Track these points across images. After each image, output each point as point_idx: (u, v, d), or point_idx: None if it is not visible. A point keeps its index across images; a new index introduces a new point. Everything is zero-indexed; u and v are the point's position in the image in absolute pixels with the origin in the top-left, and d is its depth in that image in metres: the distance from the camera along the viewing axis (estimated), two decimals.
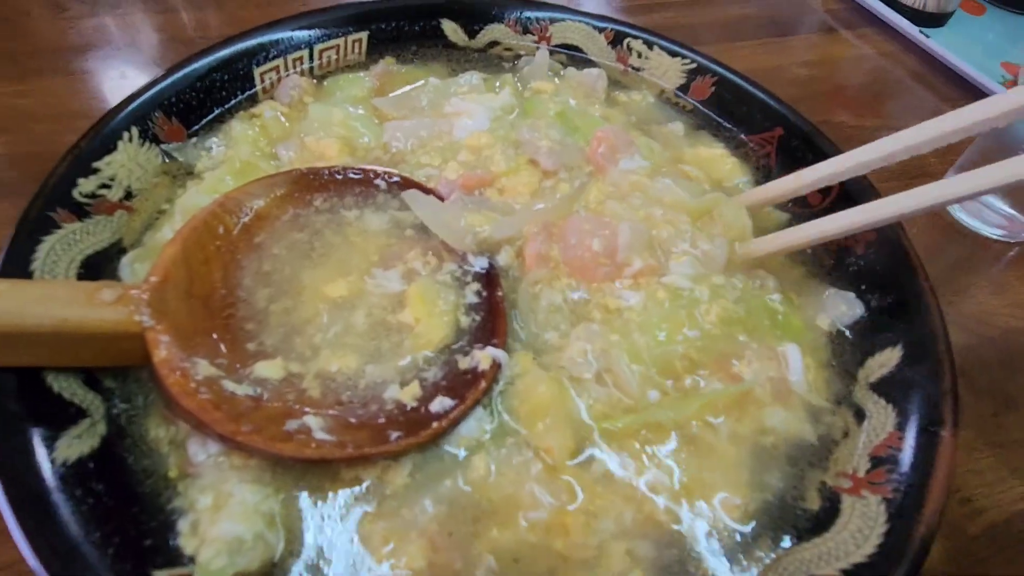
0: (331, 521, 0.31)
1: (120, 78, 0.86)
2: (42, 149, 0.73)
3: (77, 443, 0.29)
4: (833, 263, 0.47)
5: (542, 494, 0.32)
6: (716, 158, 0.55)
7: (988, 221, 0.84)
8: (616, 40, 0.60)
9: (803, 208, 0.52)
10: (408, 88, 0.54)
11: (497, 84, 0.55)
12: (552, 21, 0.60)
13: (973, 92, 1.05)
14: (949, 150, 0.95)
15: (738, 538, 0.32)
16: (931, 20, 1.19)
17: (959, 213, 0.85)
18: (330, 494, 0.31)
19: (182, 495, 0.30)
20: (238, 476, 0.30)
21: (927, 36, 1.13)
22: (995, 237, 0.83)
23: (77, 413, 0.30)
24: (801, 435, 0.36)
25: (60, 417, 0.30)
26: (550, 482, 0.33)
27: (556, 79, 0.58)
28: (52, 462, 0.28)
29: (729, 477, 0.34)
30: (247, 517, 0.28)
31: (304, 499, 0.31)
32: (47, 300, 0.29)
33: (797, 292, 0.46)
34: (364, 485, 0.32)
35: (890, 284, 0.42)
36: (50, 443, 0.28)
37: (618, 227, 0.42)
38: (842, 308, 0.44)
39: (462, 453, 0.33)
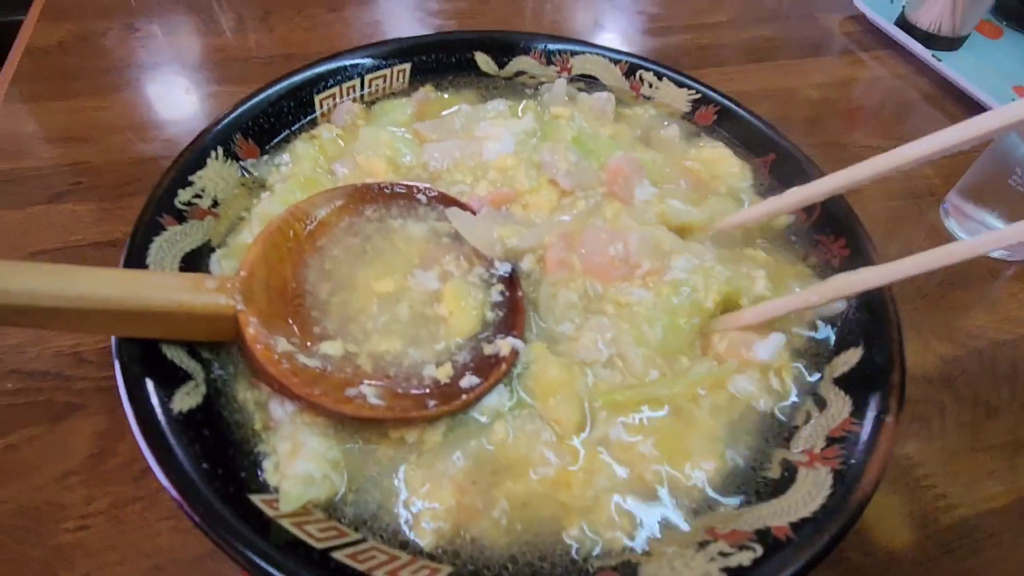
0: (381, 468, 0.38)
1: (185, 94, 0.96)
2: (118, 157, 0.84)
3: (187, 398, 0.37)
4: (817, 271, 0.53)
5: (550, 455, 0.39)
6: (721, 158, 0.61)
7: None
8: (630, 71, 0.67)
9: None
10: (444, 114, 0.62)
11: (520, 109, 0.63)
12: (573, 54, 0.67)
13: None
14: (952, 172, 1.00)
15: (708, 496, 0.39)
16: (946, 43, 1.22)
17: (960, 233, 0.90)
18: (380, 448, 0.39)
19: (266, 443, 0.39)
20: (309, 430, 0.38)
21: (939, 60, 1.17)
22: (994, 256, 0.87)
23: (184, 376, 0.39)
24: (768, 412, 0.43)
25: (173, 378, 0.38)
26: (557, 446, 0.40)
27: (573, 103, 0.65)
28: (170, 411, 0.36)
29: (706, 447, 0.40)
30: (317, 460, 0.36)
31: (360, 451, 0.39)
32: (166, 286, 0.38)
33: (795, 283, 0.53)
34: (407, 443, 0.39)
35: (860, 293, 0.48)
36: (168, 396, 0.36)
37: (629, 235, 0.49)
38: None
39: (485, 420, 0.41)
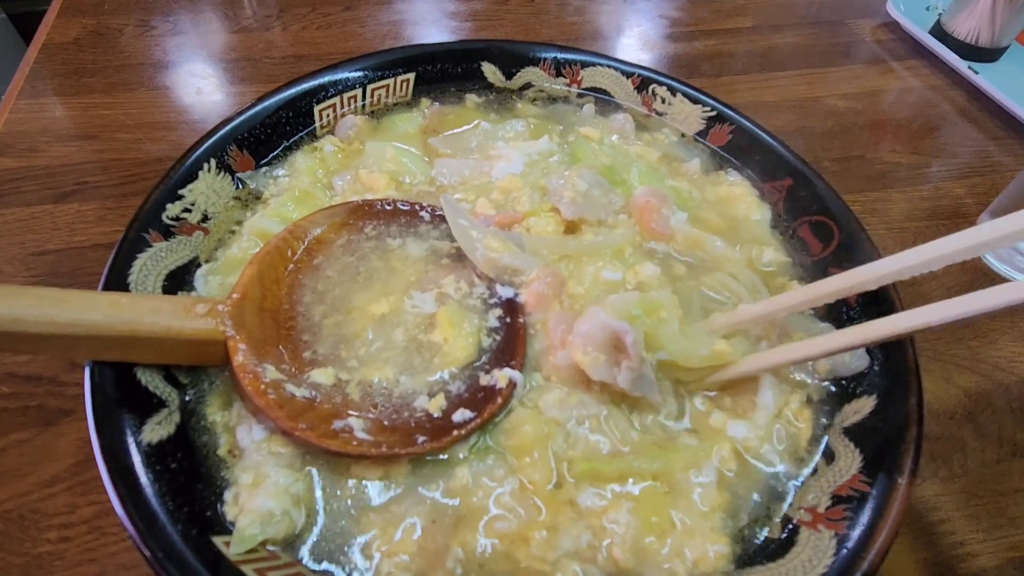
0: (342, 507, 0.37)
1: (196, 94, 0.95)
2: (125, 156, 0.84)
3: (158, 428, 0.36)
4: (826, 312, 0.50)
5: (513, 508, 0.37)
6: (735, 197, 0.58)
7: (1019, 267, 0.83)
8: (642, 85, 0.64)
9: (805, 256, 0.55)
10: (462, 129, 0.60)
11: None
12: (583, 65, 0.65)
13: (1020, 130, 1.04)
14: (985, 191, 0.95)
15: (696, 565, 0.36)
16: (983, 54, 1.17)
17: (990, 257, 0.85)
18: (343, 486, 0.38)
19: (230, 470, 0.38)
20: (274, 461, 0.37)
21: (976, 72, 1.11)
22: None
23: (158, 403, 0.38)
24: (773, 473, 0.40)
25: (146, 406, 0.37)
26: (522, 498, 0.38)
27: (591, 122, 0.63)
28: (139, 444, 0.35)
29: (697, 511, 0.37)
30: (278, 496, 0.35)
31: (323, 487, 0.38)
32: (157, 312, 0.37)
33: (809, 334, 0.49)
34: (369, 481, 0.38)
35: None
36: (138, 428, 0.35)
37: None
38: (845, 358, 0.46)
39: (450, 464, 0.39)
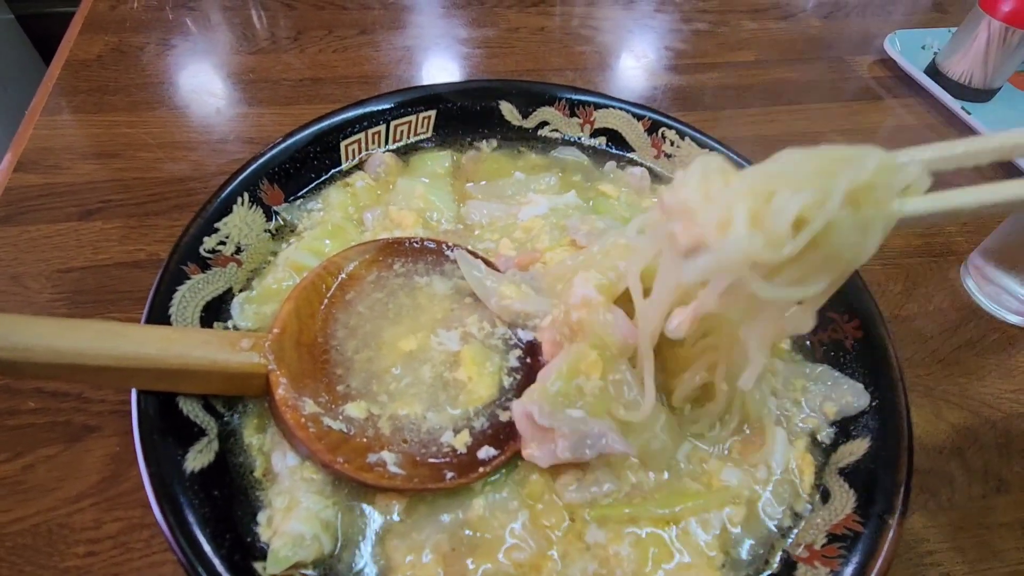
0: (368, 533, 0.40)
1: (215, 114, 0.98)
2: (147, 175, 0.86)
3: (199, 456, 0.38)
4: (822, 355, 0.53)
5: (525, 539, 0.40)
6: None
7: (1007, 307, 0.86)
8: (652, 128, 0.67)
9: None
10: (500, 181, 0.62)
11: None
12: (597, 107, 0.68)
13: (1010, 171, 1.07)
14: (976, 230, 0.98)
15: None
16: (976, 95, 1.20)
17: (979, 296, 0.88)
18: (370, 514, 0.40)
19: (264, 492, 0.40)
20: (306, 487, 0.39)
21: (968, 113, 1.15)
22: (1013, 323, 0.86)
23: (199, 432, 0.40)
24: (774, 515, 0.42)
25: (187, 435, 0.39)
26: (534, 531, 0.40)
27: (611, 176, 0.66)
28: (182, 472, 0.37)
29: (696, 549, 0.40)
30: (309, 520, 0.37)
31: (351, 514, 0.40)
32: (206, 345, 0.39)
33: (809, 379, 0.51)
34: (394, 510, 0.40)
35: (869, 381, 0.48)
36: (181, 456, 0.37)
37: None
38: (848, 398, 0.48)
39: (468, 495, 0.41)
